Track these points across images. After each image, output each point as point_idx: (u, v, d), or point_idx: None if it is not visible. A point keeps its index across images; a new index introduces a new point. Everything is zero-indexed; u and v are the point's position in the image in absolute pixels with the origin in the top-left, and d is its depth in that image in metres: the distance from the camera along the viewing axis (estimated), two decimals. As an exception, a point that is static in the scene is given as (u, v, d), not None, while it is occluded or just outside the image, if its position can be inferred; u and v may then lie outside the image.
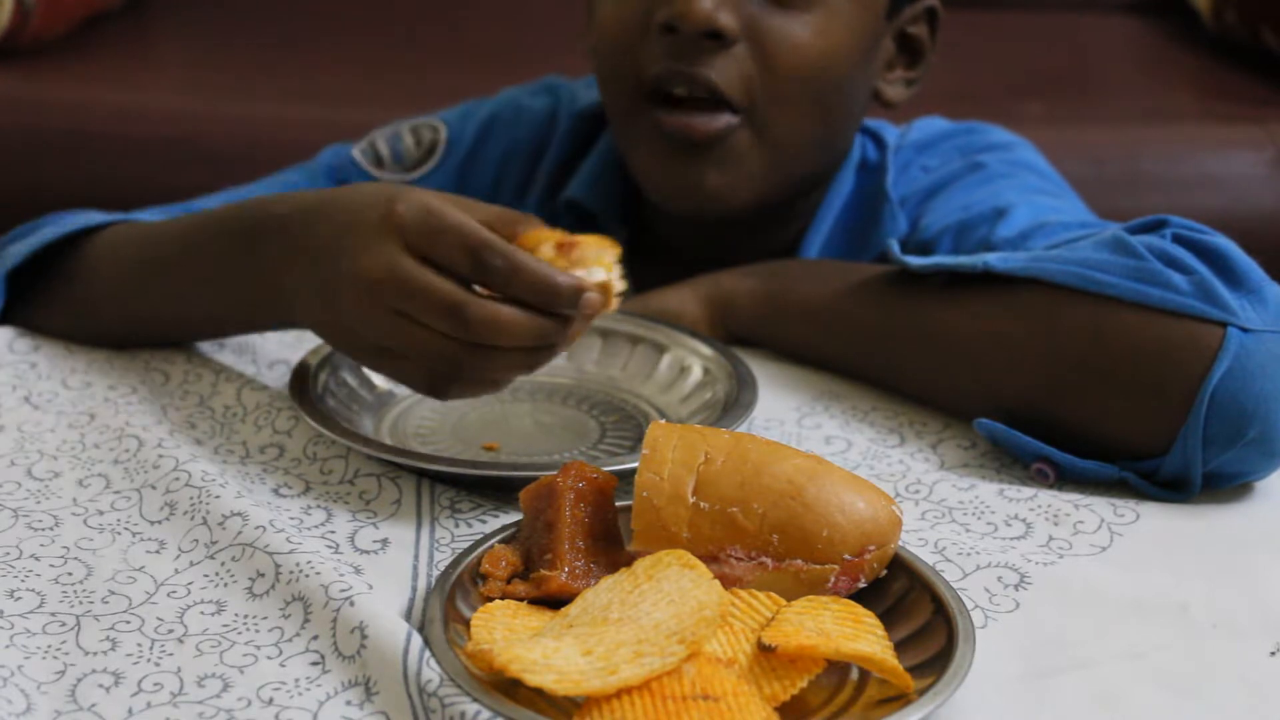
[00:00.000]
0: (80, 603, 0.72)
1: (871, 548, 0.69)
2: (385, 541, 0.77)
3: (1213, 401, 0.79)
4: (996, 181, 1.07)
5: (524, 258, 0.77)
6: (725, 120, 1.01)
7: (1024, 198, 1.03)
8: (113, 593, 0.73)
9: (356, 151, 1.19)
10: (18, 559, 0.76)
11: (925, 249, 1.04)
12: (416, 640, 0.65)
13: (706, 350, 0.96)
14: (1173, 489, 0.83)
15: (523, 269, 0.76)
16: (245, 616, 0.70)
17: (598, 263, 0.79)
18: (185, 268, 0.92)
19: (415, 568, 0.75)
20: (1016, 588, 0.74)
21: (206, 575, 0.74)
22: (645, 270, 1.15)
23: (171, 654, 0.68)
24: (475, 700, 0.61)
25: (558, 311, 0.77)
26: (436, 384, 0.81)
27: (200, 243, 0.92)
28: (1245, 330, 0.79)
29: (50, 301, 1.00)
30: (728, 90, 1.00)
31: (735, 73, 1.00)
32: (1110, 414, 0.83)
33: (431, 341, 0.78)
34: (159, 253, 0.95)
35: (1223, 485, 0.83)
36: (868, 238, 1.11)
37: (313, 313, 0.83)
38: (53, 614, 0.71)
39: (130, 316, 0.97)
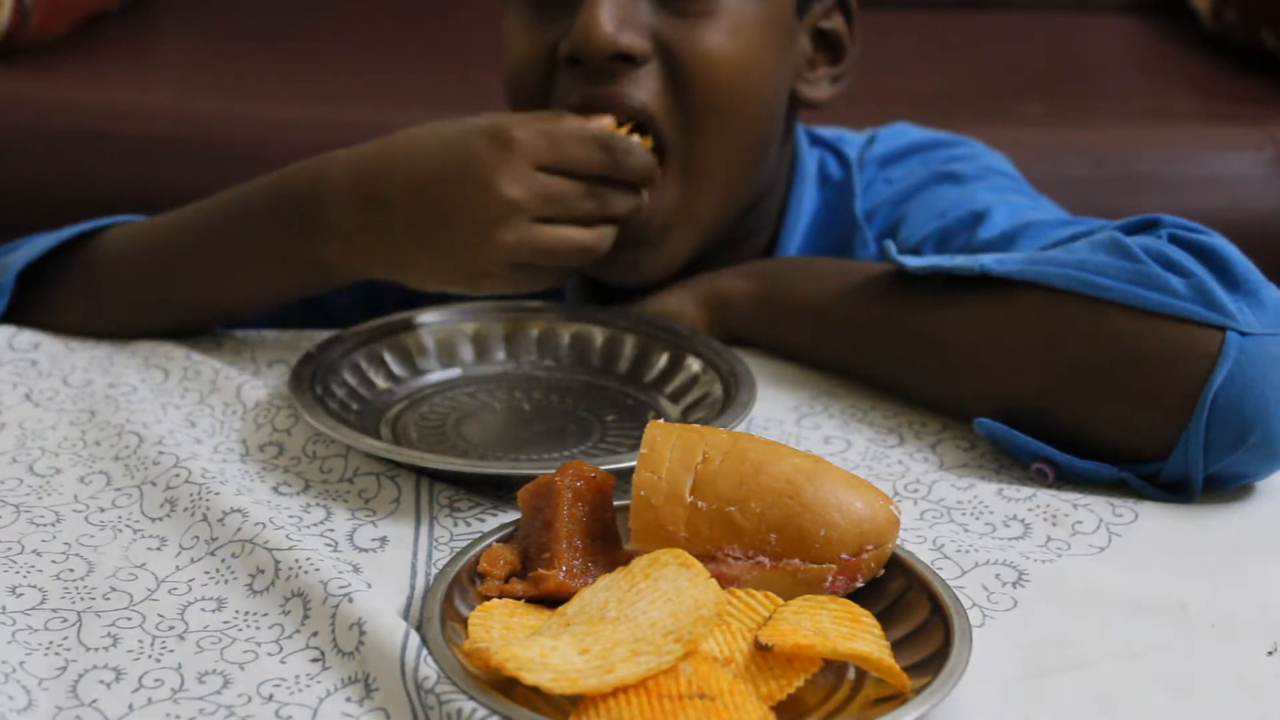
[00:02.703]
0: (81, 599, 0.72)
1: (869, 547, 0.69)
2: (384, 540, 0.77)
3: (1214, 408, 0.79)
4: (967, 184, 1.05)
5: (633, 142, 0.93)
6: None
7: (999, 198, 1.02)
8: (114, 589, 0.73)
9: None
10: (19, 555, 0.76)
11: None
12: (414, 638, 0.65)
13: (705, 349, 0.96)
14: (1173, 491, 0.83)
15: (635, 149, 0.93)
16: (245, 613, 0.71)
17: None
18: (222, 250, 0.96)
19: (414, 566, 0.75)
20: (1015, 585, 0.74)
21: (207, 572, 0.74)
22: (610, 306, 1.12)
23: (172, 650, 0.68)
24: (472, 698, 0.62)
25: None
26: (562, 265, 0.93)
27: (239, 224, 0.95)
28: (1244, 334, 0.79)
29: (62, 297, 1.01)
30: (652, 107, 0.96)
31: (652, 90, 0.97)
32: (1109, 419, 0.83)
33: (573, 234, 0.91)
34: (188, 239, 0.98)
35: (1224, 487, 0.83)
36: None
37: (408, 265, 0.92)
38: (54, 610, 0.71)
39: (159, 306, 0.99)
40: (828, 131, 1.17)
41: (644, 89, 0.97)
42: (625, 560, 0.68)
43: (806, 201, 1.12)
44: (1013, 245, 0.95)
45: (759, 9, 1.00)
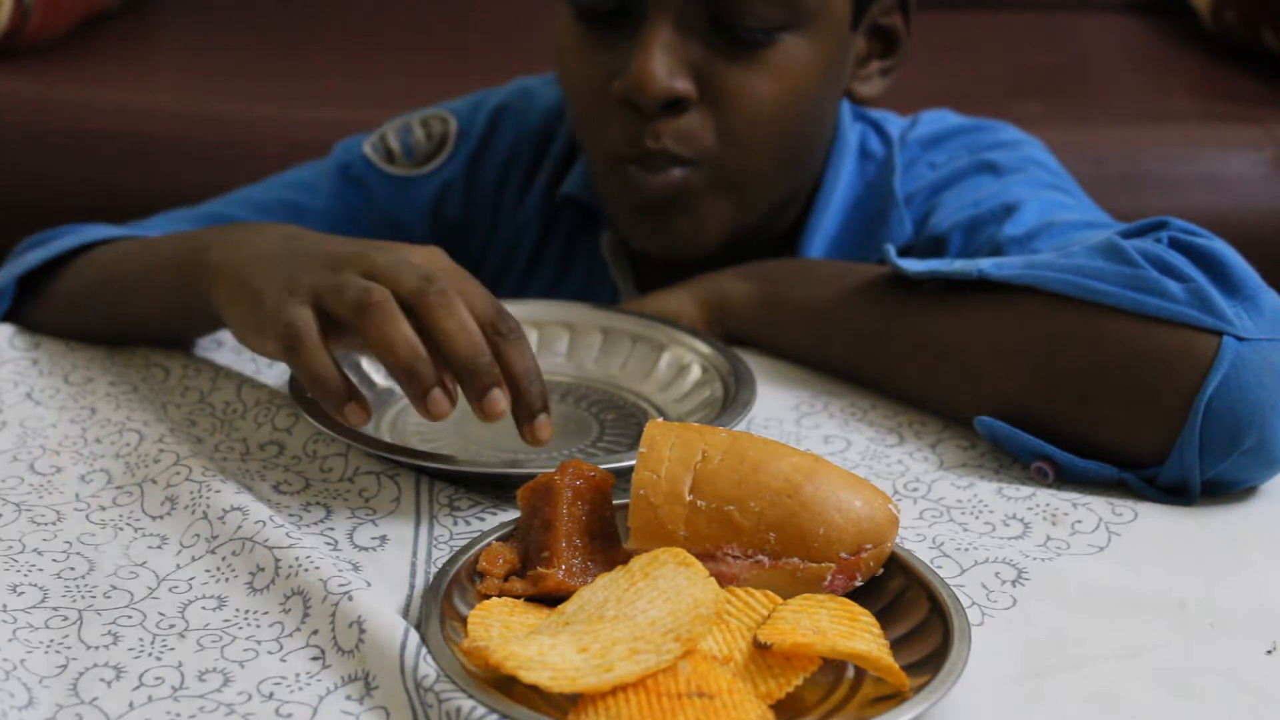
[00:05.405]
0: (82, 597, 0.72)
1: (868, 546, 0.69)
2: (384, 539, 0.78)
3: (1208, 412, 0.79)
4: (1006, 177, 1.06)
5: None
6: (681, 174, 1.02)
7: (1034, 193, 1.02)
8: (114, 588, 0.73)
9: (367, 146, 1.19)
10: (20, 553, 0.76)
11: (936, 245, 1.04)
12: (414, 636, 0.65)
13: (705, 349, 0.96)
14: (1172, 494, 0.83)
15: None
16: (246, 611, 0.71)
17: None
18: (144, 294, 0.95)
19: (414, 565, 0.75)
20: (1014, 584, 0.74)
21: (208, 570, 0.74)
22: (644, 265, 1.15)
23: (173, 648, 0.68)
24: (471, 697, 0.62)
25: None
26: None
27: (154, 275, 0.94)
28: (1240, 339, 0.79)
29: (52, 310, 1.01)
30: (689, 155, 1.01)
31: (694, 133, 1.01)
32: (1106, 423, 0.83)
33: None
34: (128, 279, 0.97)
35: (1223, 492, 0.83)
36: (875, 238, 1.10)
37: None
38: (55, 609, 0.71)
39: (112, 333, 0.99)
40: (873, 111, 1.18)
41: (690, 137, 1.01)
42: (624, 559, 0.68)
43: (845, 174, 1.13)
44: (1034, 243, 0.95)
45: (812, 49, 1.02)
